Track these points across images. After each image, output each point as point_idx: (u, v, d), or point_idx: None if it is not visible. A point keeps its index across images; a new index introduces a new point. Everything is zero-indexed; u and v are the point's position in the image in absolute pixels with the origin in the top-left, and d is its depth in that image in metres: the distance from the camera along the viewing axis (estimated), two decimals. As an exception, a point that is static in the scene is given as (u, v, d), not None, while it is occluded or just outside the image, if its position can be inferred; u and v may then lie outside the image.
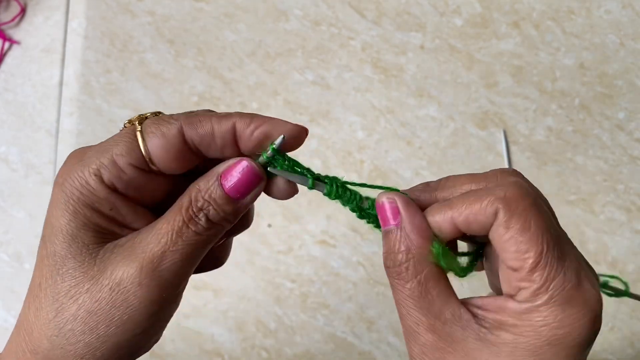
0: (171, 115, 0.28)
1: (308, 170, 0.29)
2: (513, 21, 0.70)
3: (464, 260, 0.29)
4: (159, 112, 0.29)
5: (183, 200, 0.27)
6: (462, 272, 0.28)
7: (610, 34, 0.69)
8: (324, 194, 0.29)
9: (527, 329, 0.25)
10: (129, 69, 0.74)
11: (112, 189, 0.27)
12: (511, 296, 0.26)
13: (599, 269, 0.65)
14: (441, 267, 0.28)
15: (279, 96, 0.71)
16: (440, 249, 0.27)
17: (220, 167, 0.27)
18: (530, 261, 0.25)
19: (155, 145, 0.27)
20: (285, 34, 0.73)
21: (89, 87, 0.74)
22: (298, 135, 0.28)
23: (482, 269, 0.31)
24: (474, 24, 0.71)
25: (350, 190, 0.29)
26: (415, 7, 0.71)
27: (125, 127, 0.29)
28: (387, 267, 0.28)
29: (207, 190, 0.27)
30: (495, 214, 0.25)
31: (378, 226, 0.29)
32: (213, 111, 0.30)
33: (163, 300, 0.26)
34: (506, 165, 0.67)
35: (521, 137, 0.68)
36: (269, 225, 0.68)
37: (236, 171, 0.27)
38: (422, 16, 0.71)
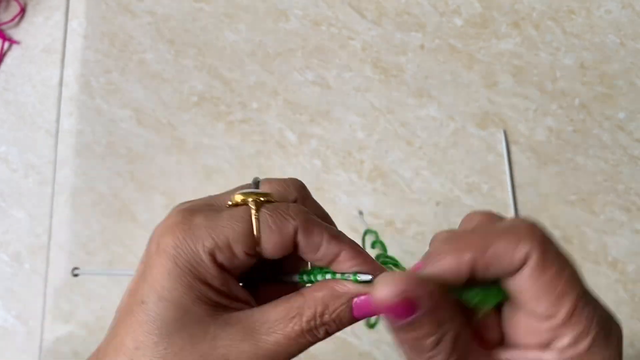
0: (288, 208, 0.28)
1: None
2: (513, 21, 0.70)
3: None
4: (267, 195, 0.28)
5: (305, 310, 0.27)
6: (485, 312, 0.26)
7: (610, 34, 0.69)
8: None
9: None
10: (129, 69, 0.74)
11: (222, 268, 0.27)
12: (542, 347, 0.24)
13: (599, 269, 0.65)
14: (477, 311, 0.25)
15: (279, 96, 0.71)
16: (480, 293, 0.25)
17: (353, 289, 0.27)
18: (568, 306, 0.23)
19: (270, 241, 0.27)
20: (285, 34, 0.73)
21: (88, 87, 0.74)
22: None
23: None
24: (474, 24, 0.71)
25: None
26: (415, 7, 0.71)
27: (236, 203, 0.28)
28: (415, 353, 0.25)
29: (335, 310, 0.27)
30: (526, 258, 0.23)
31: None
32: (307, 193, 0.30)
33: None
34: (506, 165, 0.67)
35: (521, 137, 0.68)
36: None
37: (369, 302, 0.27)
38: (422, 16, 0.71)
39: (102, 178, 0.73)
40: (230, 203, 0.28)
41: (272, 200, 0.28)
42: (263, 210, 0.27)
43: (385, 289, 0.23)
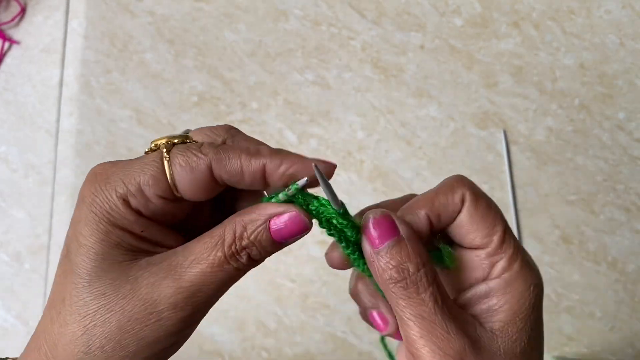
0: (200, 146, 0.28)
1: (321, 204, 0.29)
2: (513, 21, 0.70)
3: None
4: (187, 137, 0.29)
5: (226, 234, 0.27)
6: (453, 262, 0.30)
7: (610, 34, 0.69)
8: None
9: (515, 297, 0.28)
10: (129, 69, 0.74)
11: (139, 213, 0.27)
12: (484, 280, 0.29)
13: (599, 268, 0.65)
14: (444, 267, 0.30)
15: (279, 96, 0.71)
16: (447, 249, 0.29)
17: (269, 210, 0.27)
18: (499, 234, 0.28)
19: (183, 179, 0.27)
20: (285, 34, 0.73)
21: (88, 87, 0.74)
22: (325, 173, 0.28)
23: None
24: (474, 24, 0.71)
25: (336, 226, 0.29)
26: (415, 7, 0.71)
27: (151, 149, 0.28)
28: (394, 281, 0.27)
29: (253, 231, 0.27)
30: (462, 200, 0.29)
31: (358, 257, 0.29)
32: (238, 132, 0.30)
33: (191, 324, 0.27)
34: (506, 166, 0.67)
35: (521, 137, 0.68)
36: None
37: (285, 220, 0.27)
38: (422, 16, 0.71)
39: (102, 178, 0.73)
40: (146, 150, 0.28)
41: (187, 140, 0.28)
42: (174, 151, 0.27)
43: (370, 213, 0.28)
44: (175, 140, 0.28)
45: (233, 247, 0.27)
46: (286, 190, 0.28)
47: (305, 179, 0.27)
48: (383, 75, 0.71)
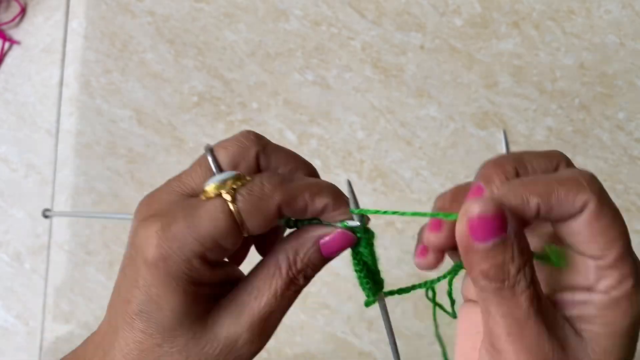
0: (263, 187, 0.27)
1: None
2: (513, 21, 0.70)
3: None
4: (239, 178, 0.28)
5: (280, 263, 0.28)
6: (564, 264, 0.27)
7: (610, 34, 0.69)
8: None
9: (616, 316, 0.25)
10: (129, 69, 0.74)
11: (213, 263, 0.28)
12: (587, 288, 0.26)
13: (599, 269, 0.65)
14: (547, 264, 0.27)
15: (279, 96, 0.71)
16: (555, 248, 0.27)
17: (317, 231, 0.29)
18: (617, 250, 0.25)
19: (255, 225, 0.27)
20: (285, 34, 0.73)
21: (89, 87, 0.74)
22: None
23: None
24: (474, 24, 0.71)
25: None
26: (415, 7, 0.71)
27: (206, 193, 0.27)
28: (489, 279, 0.25)
29: (305, 254, 0.29)
30: (585, 205, 0.25)
31: (369, 291, 0.31)
32: (268, 142, 0.30)
33: (261, 349, 0.30)
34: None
35: (521, 137, 0.68)
36: (269, 225, 0.68)
37: (335, 239, 0.29)
38: (422, 16, 0.71)
39: (102, 178, 0.73)
40: (204, 198, 0.27)
41: (243, 181, 0.28)
42: (239, 198, 0.27)
43: (472, 205, 0.24)
44: (234, 186, 0.27)
45: (290, 273, 0.28)
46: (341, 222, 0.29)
47: (358, 223, 0.29)
48: (383, 76, 0.71)
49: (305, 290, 0.29)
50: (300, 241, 0.29)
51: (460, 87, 0.70)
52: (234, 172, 0.28)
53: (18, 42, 0.76)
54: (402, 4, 0.72)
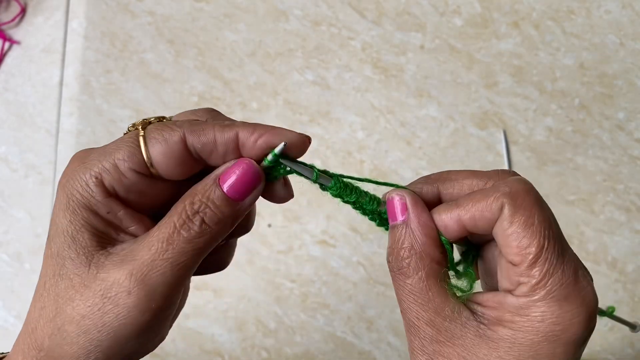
0: (175, 122, 0.28)
1: (312, 166, 0.29)
2: (513, 21, 0.70)
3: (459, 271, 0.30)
4: (163, 117, 0.29)
5: (177, 206, 0.27)
6: (462, 291, 0.28)
7: (610, 34, 0.69)
8: (327, 189, 0.29)
9: (525, 325, 0.25)
10: (129, 69, 0.74)
11: (113, 193, 0.27)
12: (510, 291, 0.27)
13: (599, 268, 0.65)
14: (445, 268, 0.28)
15: (279, 96, 0.71)
16: (468, 271, 0.29)
17: (219, 169, 0.28)
18: (531, 256, 0.25)
19: (157, 151, 0.27)
20: (285, 34, 0.73)
21: (89, 87, 0.74)
22: (300, 144, 0.28)
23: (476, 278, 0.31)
24: (474, 24, 0.71)
25: (351, 186, 0.30)
26: (415, 7, 0.71)
27: (128, 131, 0.28)
28: (389, 261, 0.28)
29: (204, 192, 0.27)
30: (501, 209, 0.26)
31: (380, 223, 0.30)
32: (218, 114, 0.30)
33: (154, 309, 0.26)
34: (506, 166, 0.67)
35: (521, 137, 0.68)
36: (269, 225, 0.68)
37: (235, 171, 0.27)
38: (422, 16, 0.71)
39: (102, 178, 0.73)
40: (124, 132, 0.28)
41: (164, 121, 0.28)
42: (150, 127, 0.27)
43: (396, 191, 0.29)
44: (152, 119, 0.28)
45: (183, 215, 0.26)
46: (265, 159, 0.27)
47: (283, 143, 0.27)
48: (383, 75, 0.71)
49: (305, 290, 0.29)
50: (203, 180, 0.27)
51: (460, 87, 0.70)
52: (161, 116, 0.29)
53: (18, 42, 0.76)
54: (402, 4, 0.72)
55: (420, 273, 0.27)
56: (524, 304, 0.26)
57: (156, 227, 0.27)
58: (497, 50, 0.70)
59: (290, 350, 0.65)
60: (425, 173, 0.72)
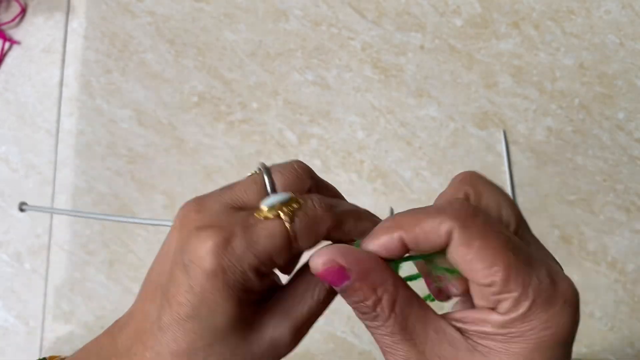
0: (315, 208, 0.29)
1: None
2: (513, 21, 0.70)
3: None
4: (295, 202, 0.29)
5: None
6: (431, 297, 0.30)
7: (610, 34, 0.69)
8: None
9: (515, 337, 0.25)
10: (129, 69, 0.74)
11: (264, 275, 0.30)
12: (491, 309, 0.26)
13: (599, 269, 0.65)
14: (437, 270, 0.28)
15: (279, 96, 0.71)
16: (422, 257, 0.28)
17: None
18: (501, 274, 0.25)
19: (307, 244, 0.29)
20: (285, 34, 0.73)
21: (89, 87, 0.74)
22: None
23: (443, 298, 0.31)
24: (474, 24, 0.71)
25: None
26: (415, 7, 0.72)
27: (261, 211, 0.29)
28: (361, 315, 0.28)
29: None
30: (449, 234, 0.25)
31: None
32: (322, 181, 0.33)
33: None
34: (506, 165, 0.67)
35: (521, 137, 0.68)
36: (269, 225, 0.68)
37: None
38: (422, 16, 0.71)
39: (102, 178, 0.73)
40: (257, 215, 0.29)
41: (299, 204, 0.29)
42: (296, 220, 0.29)
43: (317, 259, 0.27)
44: (291, 209, 0.29)
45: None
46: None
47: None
48: (383, 76, 0.71)
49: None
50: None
51: (460, 87, 0.70)
52: (289, 194, 0.29)
53: (18, 42, 0.76)
54: (402, 4, 0.72)
55: (393, 312, 0.27)
56: (511, 320, 0.25)
57: (306, 287, 0.31)
58: (497, 51, 0.70)
59: (290, 350, 0.65)
60: (425, 173, 0.72)
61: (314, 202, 0.29)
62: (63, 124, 0.74)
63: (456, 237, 0.25)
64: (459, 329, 0.27)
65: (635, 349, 0.64)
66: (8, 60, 0.76)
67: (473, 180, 0.29)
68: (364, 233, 0.29)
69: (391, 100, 0.70)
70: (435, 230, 0.25)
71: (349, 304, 0.27)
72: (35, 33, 0.77)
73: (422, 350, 0.26)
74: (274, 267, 0.30)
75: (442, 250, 0.27)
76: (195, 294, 0.28)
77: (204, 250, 0.28)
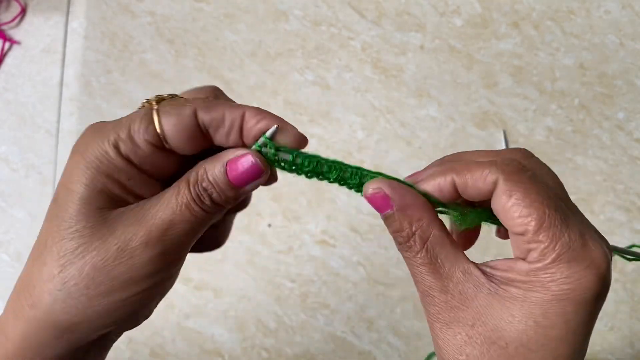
0: (187, 99, 0.30)
1: (296, 151, 0.31)
2: (513, 21, 0.70)
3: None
4: (176, 95, 0.31)
5: (190, 176, 0.29)
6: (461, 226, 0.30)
7: (610, 34, 0.69)
8: (301, 168, 0.31)
9: (536, 285, 0.27)
10: (129, 69, 0.74)
11: (129, 161, 0.29)
12: (521, 259, 0.28)
13: (598, 268, 0.65)
14: (458, 225, 0.30)
15: (279, 96, 0.71)
16: (458, 210, 0.30)
17: (228, 155, 0.30)
18: (534, 223, 0.27)
19: (170, 124, 0.29)
20: (285, 34, 0.73)
21: (89, 87, 0.74)
22: (296, 140, 0.30)
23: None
24: (474, 24, 0.71)
25: (325, 162, 0.31)
26: (415, 7, 0.72)
27: (142, 105, 0.30)
28: (397, 244, 0.30)
29: (212, 173, 0.29)
30: (495, 183, 0.28)
31: (359, 191, 0.31)
32: (222, 92, 0.33)
33: (164, 267, 0.29)
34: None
35: (521, 137, 0.68)
36: (269, 225, 0.68)
37: (241, 163, 0.29)
38: (422, 16, 0.71)
39: (103, 178, 0.73)
40: (138, 107, 0.30)
41: (174, 97, 0.30)
42: (163, 102, 0.30)
43: (369, 184, 0.30)
44: (165, 96, 0.31)
45: (196, 188, 0.29)
46: (258, 141, 0.30)
47: (275, 126, 0.30)
48: (383, 76, 0.71)
49: (305, 290, 0.30)
50: (212, 160, 0.30)
51: (460, 87, 0.70)
52: (173, 94, 0.31)
53: (18, 42, 0.76)
54: (402, 4, 0.72)
55: (426, 245, 0.29)
56: (535, 268, 0.27)
57: (169, 191, 0.29)
58: (497, 51, 0.70)
59: (291, 350, 0.65)
60: (425, 173, 0.71)
61: (188, 94, 0.31)
62: (63, 124, 0.74)
63: (500, 186, 0.28)
64: (487, 275, 0.29)
65: (634, 348, 0.64)
66: (8, 60, 0.76)
67: (525, 151, 0.30)
68: (240, 117, 0.29)
69: (391, 100, 0.70)
70: (483, 177, 0.28)
71: (390, 232, 0.30)
72: (35, 33, 0.77)
73: (446, 285, 0.28)
74: (138, 149, 0.29)
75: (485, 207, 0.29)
76: (61, 178, 0.29)
77: (81, 134, 0.29)
